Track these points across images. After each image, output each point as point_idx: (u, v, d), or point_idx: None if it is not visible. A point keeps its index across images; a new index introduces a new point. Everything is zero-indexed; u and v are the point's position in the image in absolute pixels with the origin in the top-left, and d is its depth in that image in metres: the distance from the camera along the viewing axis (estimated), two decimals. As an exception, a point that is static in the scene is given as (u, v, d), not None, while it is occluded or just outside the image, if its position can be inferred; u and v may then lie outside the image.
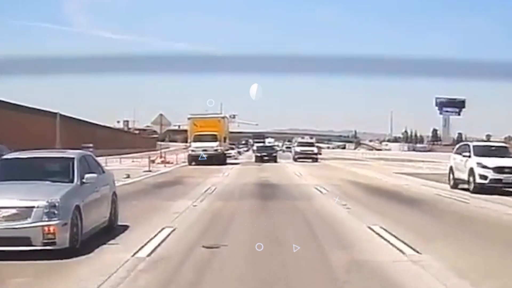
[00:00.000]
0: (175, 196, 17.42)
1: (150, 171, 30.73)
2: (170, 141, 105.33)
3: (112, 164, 34.00)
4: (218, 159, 38.71)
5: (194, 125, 42.38)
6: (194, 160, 38.96)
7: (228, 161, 42.41)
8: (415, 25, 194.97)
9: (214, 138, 39.56)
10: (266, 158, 46.31)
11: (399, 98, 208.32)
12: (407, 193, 20.04)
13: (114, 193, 11.24)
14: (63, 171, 9.60)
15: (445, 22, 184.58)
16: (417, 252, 8.83)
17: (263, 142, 73.73)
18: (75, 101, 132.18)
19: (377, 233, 10.61)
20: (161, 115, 41.44)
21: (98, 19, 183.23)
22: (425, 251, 8.85)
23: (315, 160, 48.97)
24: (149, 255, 8.53)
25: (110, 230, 10.42)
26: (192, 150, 39.76)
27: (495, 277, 7.45)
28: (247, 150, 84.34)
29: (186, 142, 52.58)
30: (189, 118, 44.05)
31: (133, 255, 8.43)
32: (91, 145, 41.50)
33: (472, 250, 9.42)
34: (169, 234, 10.37)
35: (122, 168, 30.52)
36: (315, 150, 51.97)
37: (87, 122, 59.47)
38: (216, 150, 39.40)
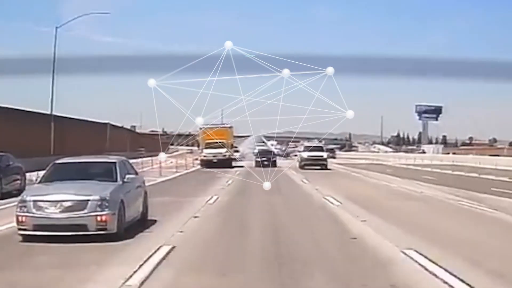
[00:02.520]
0: (229, 170, 35.03)
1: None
2: (178, 145, 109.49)
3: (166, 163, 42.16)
4: (226, 163, 43.66)
5: (205, 134, 46.76)
6: (206, 164, 44.07)
7: (233, 164, 46.88)
8: (407, 25, 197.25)
9: (222, 145, 44.49)
10: (265, 163, 46.40)
11: (394, 101, 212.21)
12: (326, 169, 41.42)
13: (145, 192, 13.39)
14: (107, 172, 11.75)
15: (438, 22, 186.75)
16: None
17: (264, 145, 75.15)
18: (81, 104, 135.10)
19: (292, 174, 33.15)
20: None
21: (96, 22, 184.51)
22: (308, 180, 28.48)
23: (325, 167, 42.82)
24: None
25: (143, 222, 12.55)
26: (204, 156, 45.48)
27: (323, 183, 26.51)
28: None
29: (192, 145, 59.17)
30: (200, 128, 47.82)
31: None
32: (143, 149, 56.66)
33: (327, 179, 30.08)
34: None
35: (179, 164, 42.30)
36: (325, 155, 45.14)
37: (131, 130, 79.38)
38: (224, 155, 44.89)
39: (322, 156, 43.97)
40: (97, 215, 10.36)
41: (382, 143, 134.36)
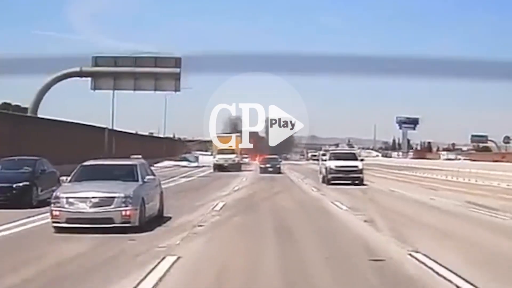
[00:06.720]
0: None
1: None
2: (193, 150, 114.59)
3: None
4: (235, 167, 49.28)
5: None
6: (218, 168, 49.15)
7: (242, 168, 52.50)
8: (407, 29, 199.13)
9: (232, 152, 51.01)
10: (270, 169, 46.15)
11: (390, 110, 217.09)
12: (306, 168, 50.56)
13: (161, 192, 15.02)
14: (129, 173, 13.40)
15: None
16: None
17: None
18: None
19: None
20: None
21: (101, 26, 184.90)
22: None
23: (361, 182, 30.99)
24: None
25: (159, 219, 14.16)
26: (217, 160, 50.70)
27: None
28: None
29: (203, 150, 69.26)
30: (214, 136, 55.10)
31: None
32: (188, 154, 75.74)
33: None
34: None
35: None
36: (360, 165, 32.49)
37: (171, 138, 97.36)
38: (234, 160, 50.28)
39: (356, 166, 32.09)
40: (122, 210, 11.98)
41: (379, 149, 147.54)
